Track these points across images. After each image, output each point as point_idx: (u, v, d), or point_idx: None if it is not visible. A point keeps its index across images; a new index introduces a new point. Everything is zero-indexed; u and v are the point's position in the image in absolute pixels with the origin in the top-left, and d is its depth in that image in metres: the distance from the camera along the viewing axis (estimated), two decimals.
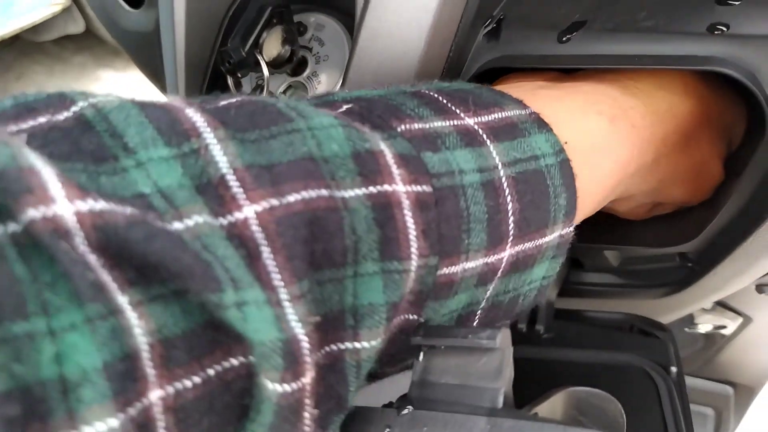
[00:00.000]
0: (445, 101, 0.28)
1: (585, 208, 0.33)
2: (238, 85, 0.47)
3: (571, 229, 0.31)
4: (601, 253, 0.48)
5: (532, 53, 0.37)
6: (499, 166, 0.27)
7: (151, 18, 0.49)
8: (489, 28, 0.39)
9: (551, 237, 0.30)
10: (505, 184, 0.27)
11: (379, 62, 0.38)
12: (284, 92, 0.47)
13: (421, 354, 0.27)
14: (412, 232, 0.24)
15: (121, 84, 2.31)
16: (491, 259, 0.27)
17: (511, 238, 0.27)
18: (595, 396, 0.27)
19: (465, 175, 0.26)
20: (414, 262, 0.24)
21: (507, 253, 0.28)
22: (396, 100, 0.28)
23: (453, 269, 0.26)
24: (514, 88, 0.34)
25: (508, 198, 0.27)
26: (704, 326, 0.64)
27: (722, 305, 0.60)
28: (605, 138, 0.32)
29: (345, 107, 0.27)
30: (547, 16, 0.38)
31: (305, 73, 0.46)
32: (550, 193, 0.29)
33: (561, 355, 0.48)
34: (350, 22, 0.44)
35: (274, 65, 0.45)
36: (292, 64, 0.46)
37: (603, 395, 0.27)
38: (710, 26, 0.33)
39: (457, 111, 0.28)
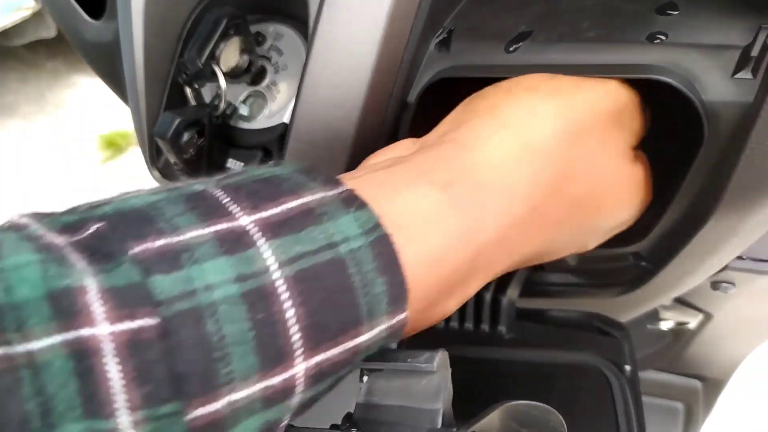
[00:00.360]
0: (224, 200, 0.25)
1: (430, 289, 0.28)
2: (197, 96, 0.47)
3: (404, 315, 0.26)
4: None
5: (481, 63, 0.38)
6: (273, 268, 0.23)
7: (111, 29, 0.49)
8: (440, 38, 0.40)
9: (371, 334, 0.25)
10: (281, 288, 0.23)
11: (333, 72, 0.38)
12: (244, 101, 0.47)
13: (365, 376, 0.28)
14: (117, 383, 0.20)
15: (95, 90, 2.30)
16: (273, 381, 0.23)
17: (300, 350, 0.23)
18: (535, 408, 0.28)
19: (214, 290, 0.22)
20: (124, 418, 0.20)
21: (300, 368, 0.23)
22: (159, 210, 0.23)
23: (213, 407, 0.21)
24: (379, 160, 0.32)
25: (287, 303, 0.23)
26: (666, 323, 0.65)
27: (682, 302, 0.62)
28: (437, 208, 0.29)
29: (93, 228, 0.23)
30: (495, 27, 0.38)
31: (264, 83, 0.47)
32: (354, 284, 0.24)
33: (521, 355, 0.49)
34: (308, 32, 0.44)
35: (233, 75, 0.45)
36: (251, 74, 0.46)
37: (543, 407, 0.28)
38: (650, 35, 0.34)
39: (233, 210, 0.24)
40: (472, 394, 0.48)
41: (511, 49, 0.37)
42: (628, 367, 0.45)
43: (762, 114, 0.30)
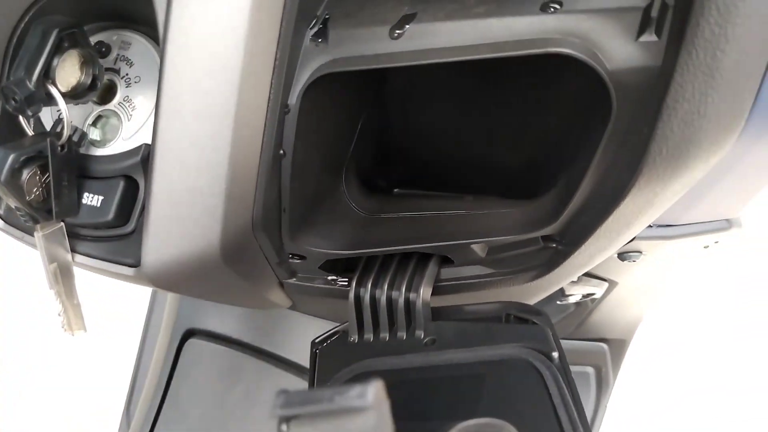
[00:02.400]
0: None
1: None
2: (36, 124, 0.40)
3: None
4: (468, 248, 0.46)
5: (365, 53, 0.34)
6: None
7: None
8: (315, 29, 0.35)
9: None
10: None
11: (194, 79, 0.33)
12: (94, 124, 0.40)
13: (284, 425, 0.23)
14: None
15: None
16: None
17: None
18: (486, 425, 0.24)
19: None
20: None
21: None
22: None
23: None
24: None
25: None
26: (574, 297, 0.65)
27: (588, 275, 0.61)
28: None
29: None
30: (374, 11, 0.34)
31: (115, 100, 0.40)
32: None
33: (445, 358, 0.46)
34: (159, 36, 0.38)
35: (75, 95, 0.38)
36: (98, 91, 0.39)
37: (495, 423, 0.24)
38: (543, 5, 0.32)
39: None
40: (402, 411, 0.45)
41: (395, 35, 0.33)
42: (555, 354, 0.43)
43: (675, 76, 0.28)
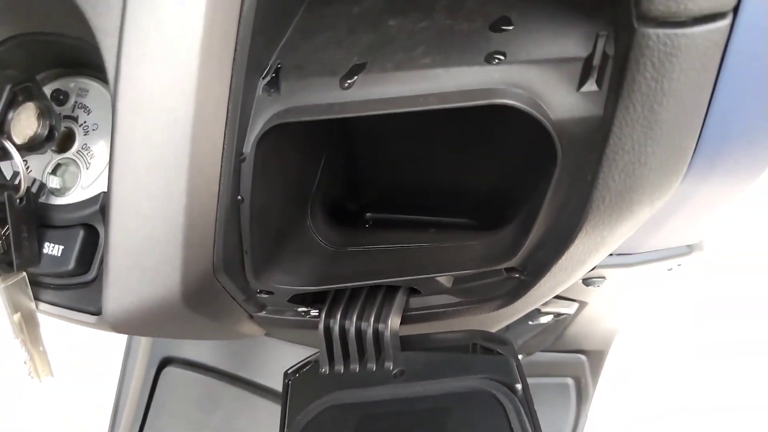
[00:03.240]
0: None
1: None
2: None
3: None
4: (434, 279, 0.47)
5: (317, 102, 0.34)
6: None
7: None
8: (267, 79, 0.36)
9: None
10: None
11: (147, 132, 0.33)
12: (54, 172, 0.41)
13: None
14: None
15: None
16: None
17: None
18: None
19: None
20: None
21: None
22: None
23: None
24: None
25: None
26: (546, 317, 0.66)
27: (557, 297, 0.62)
28: None
29: None
30: (326, 61, 0.35)
31: (74, 148, 0.40)
32: None
33: (413, 390, 0.47)
34: None
35: (32, 147, 0.38)
36: (56, 140, 0.40)
37: None
38: (488, 56, 0.32)
39: None
40: None
41: (345, 84, 0.34)
42: (518, 386, 0.44)
43: (614, 128, 0.29)
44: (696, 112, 0.29)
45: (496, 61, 0.32)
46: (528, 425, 0.41)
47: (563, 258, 0.37)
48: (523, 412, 0.42)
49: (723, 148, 0.32)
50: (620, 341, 0.90)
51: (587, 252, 0.36)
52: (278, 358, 0.67)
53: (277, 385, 0.68)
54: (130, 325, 0.39)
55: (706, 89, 0.29)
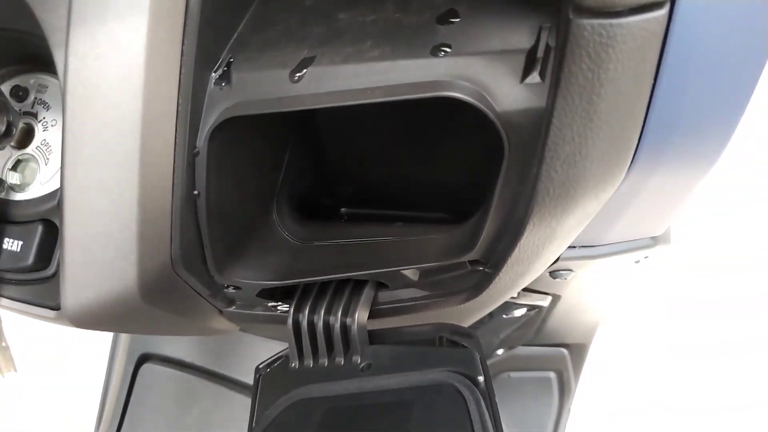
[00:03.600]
0: None
1: None
2: None
3: None
4: (400, 273, 0.47)
5: (267, 96, 0.34)
6: None
7: None
8: (219, 73, 0.36)
9: None
10: None
11: (96, 127, 0.33)
12: (13, 168, 0.41)
13: None
14: None
15: None
16: None
17: None
18: None
19: None
20: None
21: None
22: None
23: None
24: None
25: None
26: (519, 310, 0.66)
27: (529, 290, 0.62)
28: None
29: None
30: (276, 55, 0.35)
31: (33, 144, 0.40)
32: None
33: (378, 384, 0.47)
34: None
35: None
36: (15, 136, 0.40)
37: None
38: (434, 48, 0.32)
39: None
40: None
41: (295, 78, 0.34)
42: (481, 378, 0.44)
43: (554, 120, 0.29)
44: (637, 103, 0.29)
45: (442, 53, 0.32)
46: (488, 418, 0.42)
47: (517, 249, 0.37)
48: (483, 404, 0.42)
49: (669, 139, 0.32)
50: (601, 335, 0.90)
51: (540, 244, 0.36)
52: (255, 354, 0.67)
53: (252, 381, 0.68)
54: (89, 320, 0.39)
55: (646, 80, 0.29)
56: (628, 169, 0.32)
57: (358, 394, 0.47)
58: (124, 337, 0.76)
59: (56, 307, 0.39)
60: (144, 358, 0.71)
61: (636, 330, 1.51)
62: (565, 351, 0.91)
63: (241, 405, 0.67)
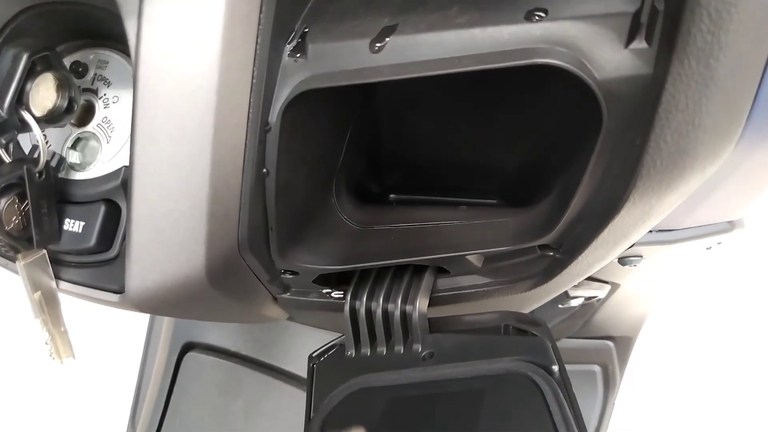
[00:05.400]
0: None
1: None
2: (17, 149, 0.39)
3: None
4: (464, 258, 0.45)
5: (346, 68, 0.33)
6: None
7: None
8: (293, 44, 0.34)
9: None
10: None
11: (169, 101, 0.32)
12: (74, 147, 0.39)
13: None
14: None
15: None
16: None
17: None
18: None
19: None
20: None
21: None
22: None
23: None
24: None
25: None
26: (577, 300, 0.64)
27: (589, 278, 0.60)
28: None
29: None
30: (354, 24, 0.33)
31: (94, 121, 0.39)
32: None
33: (443, 373, 0.45)
34: None
35: (52, 119, 0.37)
36: (75, 113, 0.38)
37: None
38: (528, 13, 0.30)
39: None
40: (399, 429, 0.44)
41: (375, 48, 0.32)
42: (555, 368, 0.42)
43: (667, 86, 0.27)
44: (754, 68, 0.27)
45: (537, 18, 0.30)
46: (567, 407, 0.40)
47: (605, 231, 0.35)
48: (561, 394, 0.41)
49: None
50: (648, 328, 0.87)
51: (632, 224, 0.34)
52: (301, 343, 0.66)
53: (300, 370, 0.67)
54: (153, 303, 0.38)
55: (765, 43, 0.27)
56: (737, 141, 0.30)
57: (422, 384, 0.45)
58: (165, 326, 0.75)
59: (119, 290, 0.38)
60: (188, 347, 0.70)
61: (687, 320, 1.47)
62: (610, 344, 0.89)
63: (287, 394, 0.66)
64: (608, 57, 0.29)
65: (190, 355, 0.70)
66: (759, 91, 0.29)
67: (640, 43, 0.29)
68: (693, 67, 0.26)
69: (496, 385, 0.43)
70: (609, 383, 0.93)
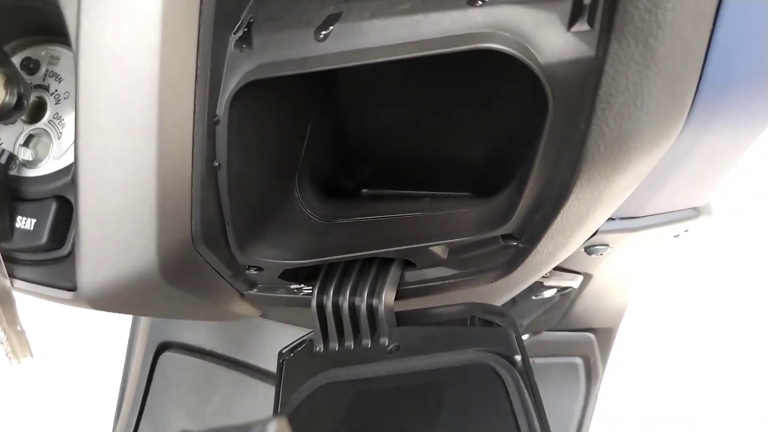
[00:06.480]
0: None
1: None
2: None
3: None
4: (428, 250, 0.45)
5: (292, 57, 0.32)
6: None
7: None
8: (239, 34, 0.34)
9: None
10: None
11: (111, 95, 0.31)
12: (25, 144, 0.39)
13: None
14: None
15: None
16: None
17: None
18: None
19: None
20: None
21: None
22: None
23: None
24: None
25: None
26: (549, 291, 0.63)
27: (561, 269, 0.60)
28: None
29: None
30: (299, 13, 0.33)
31: (45, 118, 0.38)
32: None
33: (409, 365, 0.45)
34: None
35: (0, 116, 0.37)
36: (26, 110, 0.38)
37: None
38: None
39: None
40: (364, 422, 0.43)
41: (320, 36, 0.32)
42: (518, 357, 0.42)
43: (606, 68, 0.26)
44: (695, 48, 0.27)
45: (480, 2, 0.29)
46: (528, 396, 0.40)
47: (559, 217, 0.34)
48: (522, 384, 0.40)
49: (726, 89, 0.29)
50: (629, 319, 0.87)
51: (585, 210, 0.34)
52: (274, 341, 0.65)
53: (274, 368, 0.66)
54: (108, 301, 0.38)
55: (706, 22, 0.27)
56: (684, 124, 0.30)
57: (388, 377, 0.45)
58: (143, 326, 0.74)
59: (72, 288, 0.37)
60: (163, 347, 0.70)
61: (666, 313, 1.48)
62: (591, 336, 0.89)
63: (263, 392, 0.65)
64: (551, 40, 0.29)
65: (166, 355, 0.69)
66: (703, 72, 0.28)
67: (582, 26, 0.28)
68: (632, 47, 0.26)
69: (459, 376, 0.42)
70: (591, 375, 0.93)
